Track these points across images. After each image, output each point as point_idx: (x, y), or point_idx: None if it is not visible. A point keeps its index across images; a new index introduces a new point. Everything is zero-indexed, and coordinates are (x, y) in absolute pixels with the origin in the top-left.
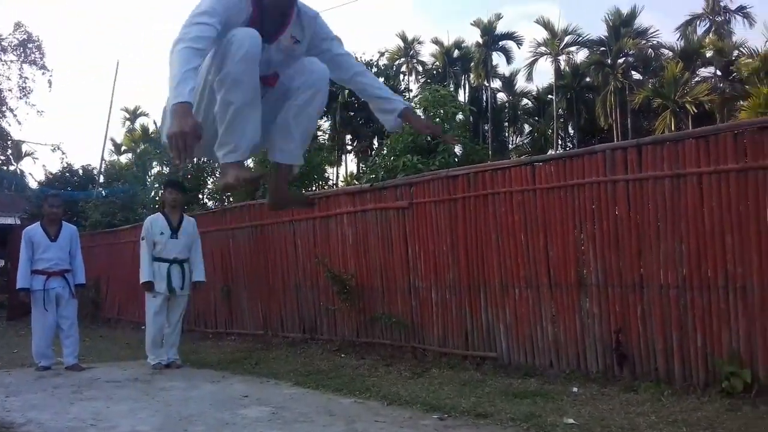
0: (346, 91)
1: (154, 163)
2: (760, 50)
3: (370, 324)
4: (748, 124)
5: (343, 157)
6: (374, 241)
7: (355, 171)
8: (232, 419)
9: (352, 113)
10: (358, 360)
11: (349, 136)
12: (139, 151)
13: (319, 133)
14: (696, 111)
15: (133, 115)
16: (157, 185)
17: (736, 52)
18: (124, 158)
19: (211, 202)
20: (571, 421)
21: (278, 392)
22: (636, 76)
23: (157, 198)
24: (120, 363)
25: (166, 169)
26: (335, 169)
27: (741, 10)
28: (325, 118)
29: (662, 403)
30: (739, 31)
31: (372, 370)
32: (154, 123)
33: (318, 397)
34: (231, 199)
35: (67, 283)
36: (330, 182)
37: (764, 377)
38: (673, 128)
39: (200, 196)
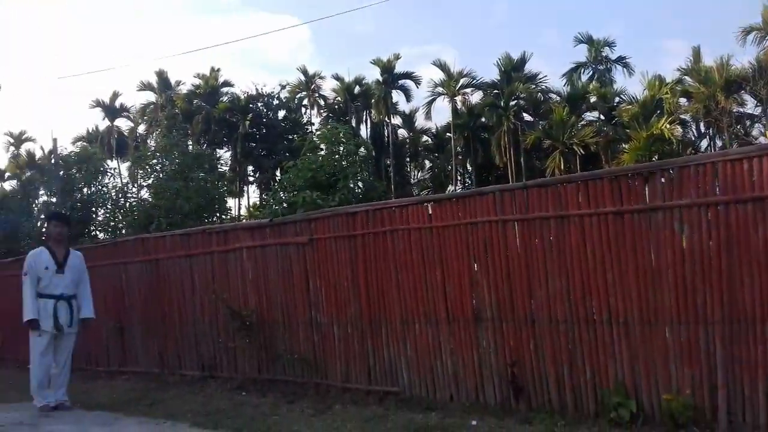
0: (247, 122)
1: (41, 192)
2: (638, 97)
3: (271, 360)
4: (623, 170)
5: (246, 188)
6: (275, 277)
7: (257, 202)
8: None
9: (253, 144)
10: (259, 398)
11: (250, 168)
12: (24, 178)
13: (220, 163)
14: (583, 152)
15: (18, 139)
16: (43, 215)
17: (617, 99)
18: (8, 185)
19: (102, 235)
20: None
21: None
22: (527, 117)
23: (43, 229)
24: (3, 405)
25: (53, 198)
26: (237, 200)
27: (621, 60)
28: (226, 149)
29: None
30: (620, 79)
31: (274, 408)
32: (42, 149)
33: None
34: (124, 232)
35: None
36: (231, 213)
37: (648, 407)
38: (562, 168)
39: (90, 227)
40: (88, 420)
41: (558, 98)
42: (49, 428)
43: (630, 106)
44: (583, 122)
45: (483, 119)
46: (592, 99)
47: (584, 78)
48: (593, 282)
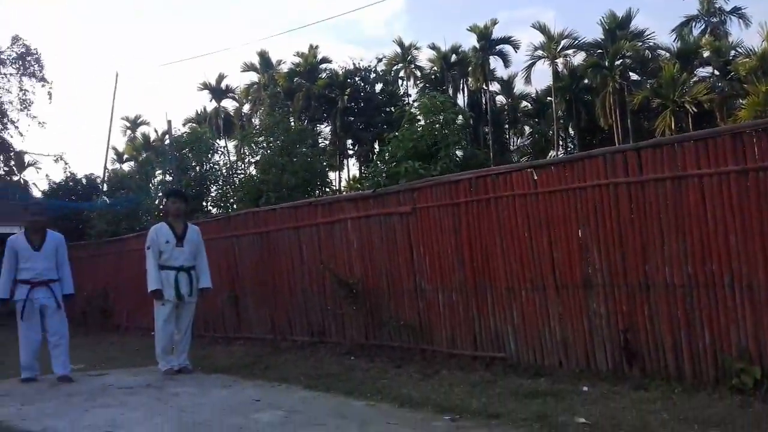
0: (346, 97)
1: (157, 171)
2: (756, 50)
3: (378, 327)
4: (746, 126)
5: (345, 161)
6: (379, 246)
7: (357, 175)
8: (246, 424)
9: (351, 118)
10: (367, 362)
11: (350, 141)
12: (141, 159)
13: (320, 138)
14: (695, 110)
15: (134, 123)
16: (160, 193)
17: (732, 52)
18: (127, 166)
19: (215, 209)
20: (582, 420)
21: (290, 396)
22: (634, 77)
23: (161, 206)
24: (131, 370)
25: (168, 177)
26: (337, 173)
27: (736, 11)
28: (326, 124)
29: (673, 400)
30: (735, 31)
31: (382, 372)
32: (155, 131)
33: (329, 400)
34: (235, 207)
35: (53, 294)
36: (333, 187)
37: None
38: (673, 127)
39: (204, 203)
40: (209, 382)
41: (667, 55)
42: (174, 390)
43: (747, 60)
44: (695, 79)
45: (586, 81)
46: (705, 54)
47: (696, 32)
48: (714, 245)
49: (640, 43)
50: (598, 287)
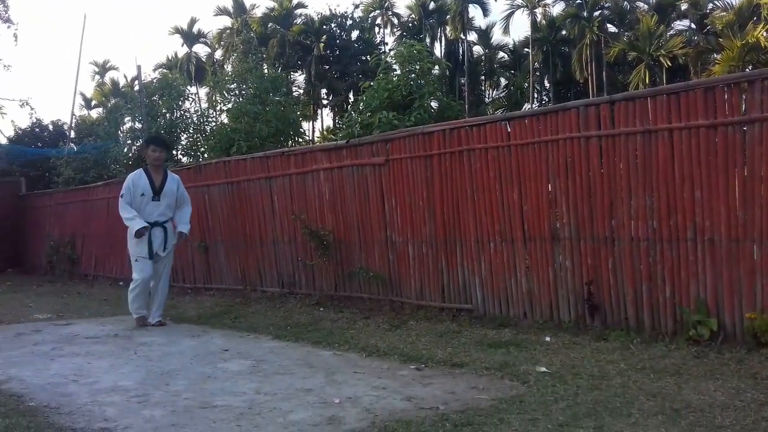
0: (321, 44)
1: (126, 118)
2: (734, 3)
3: (348, 278)
4: (718, 81)
5: (319, 111)
6: (351, 197)
7: (331, 125)
8: (214, 373)
9: (326, 66)
10: (336, 313)
11: (324, 90)
12: (110, 105)
13: (294, 87)
14: (670, 64)
15: (103, 68)
16: (129, 141)
17: (710, 5)
18: (95, 113)
19: (185, 158)
20: (543, 369)
21: (258, 345)
22: (612, 29)
23: (130, 154)
24: (99, 319)
25: (138, 124)
26: (311, 123)
27: None
28: (300, 72)
29: (631, 350)
30: None
31: (350, 323)
32: (125, 77)
33: (297, 349)
34: (206, 156)
35: None
36: (306, 137)
37: (729, 325)
38: (647, 81)
39: (174, 151)
40: (177, 332)
41: (645, 7)
42: (141, 339)
43: (724, 14)
44: (672, 32)
45: (564, 32)
46: (683, 6)
47: None
48: (679, 200)
49: None
50: (564, 240)
